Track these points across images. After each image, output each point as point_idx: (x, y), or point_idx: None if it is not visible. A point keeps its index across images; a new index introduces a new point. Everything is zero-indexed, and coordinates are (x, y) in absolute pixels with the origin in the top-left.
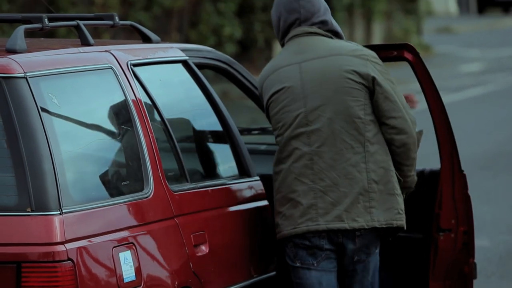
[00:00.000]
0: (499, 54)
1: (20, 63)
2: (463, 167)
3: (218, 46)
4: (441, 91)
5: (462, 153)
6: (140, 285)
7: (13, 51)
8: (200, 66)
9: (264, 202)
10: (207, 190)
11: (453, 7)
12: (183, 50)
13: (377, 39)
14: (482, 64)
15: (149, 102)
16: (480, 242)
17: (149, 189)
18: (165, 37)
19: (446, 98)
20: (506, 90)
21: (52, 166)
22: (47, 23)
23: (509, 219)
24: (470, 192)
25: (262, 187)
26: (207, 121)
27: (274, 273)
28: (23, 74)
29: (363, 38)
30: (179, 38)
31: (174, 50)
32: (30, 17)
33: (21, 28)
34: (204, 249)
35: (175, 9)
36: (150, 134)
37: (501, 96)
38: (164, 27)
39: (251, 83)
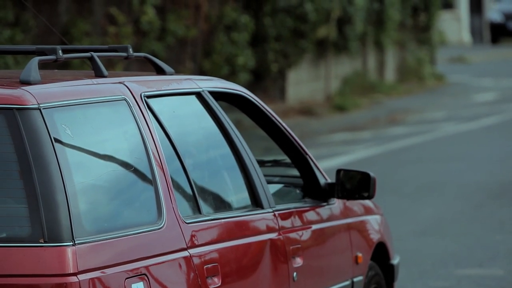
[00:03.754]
0: None
1: (34, 95)
2: (477, 196)
3: (231, 75)
4: (455, 120)
5: (476, 182)
6: None
7: (27, 83)
8: (217, 96)
9: (275, 235)
10: (220, 221)
11: (466, 37)
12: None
13: (390, 69)
14: (495, 94)
15: (162, 133)
16: (494, 271)
17: (162, 221)
18: (178, 67)
19: (460, 127)
20: None
21: (65, 197)
22: (61, 54)
23: None
24: (484, 220)
25: (274, 219)
26: (221, 153)
27: None
28: (36, 106)
29: (376, 68)
30: (193, 68)
31: (188, 82)
32: (44, 49)
33: (35, 60)
34: (216, 281)
35: (189, 39)
36: (163, 166)
37: None
38: (177, 56)
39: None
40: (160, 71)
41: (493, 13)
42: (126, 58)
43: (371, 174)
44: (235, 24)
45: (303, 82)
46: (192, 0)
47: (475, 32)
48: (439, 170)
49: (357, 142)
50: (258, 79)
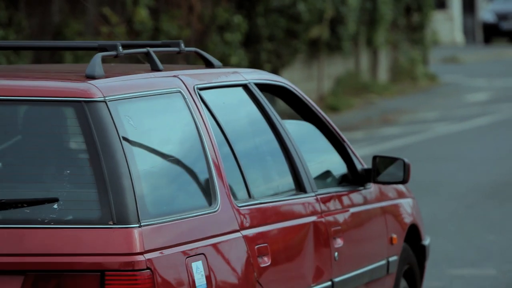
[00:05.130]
0: (505, 83)
1: (99, 88)
2: (470, 196)
3: None
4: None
5: (468, 182)
6: None
7: (92, 77)
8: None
9: (317, 217)
10: (268, 205)
11: (459, 37)
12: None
13: (382, 69)
14: (488, 94)
15: (214, 123)
16: (487, 271)
17: (217, 204)
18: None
19: (453, 128)
20: None
21: (131, 183)
22: (121, 50)
23: None
24: (476, 220)
25: (316, 202)
26: (266, 140)
27: (329, 282)
28: (102, 98)
29: (369, 68)
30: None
31: (235, 75)
32: (105, 45)
33: (99, 56)
34: (266, 260)
35: (182, 39)
36: (216, 153)
37: (507, 125)
38: (170, 56)
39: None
40: (209, 65)
41: (485, 13)
42: (179, 52)
43: (406, 160)
44: (228, 24)
45: (296, 82)
46: (185, 0)
47: (468, 32)
48: (431, 170)
49: (350, 142)
50: None
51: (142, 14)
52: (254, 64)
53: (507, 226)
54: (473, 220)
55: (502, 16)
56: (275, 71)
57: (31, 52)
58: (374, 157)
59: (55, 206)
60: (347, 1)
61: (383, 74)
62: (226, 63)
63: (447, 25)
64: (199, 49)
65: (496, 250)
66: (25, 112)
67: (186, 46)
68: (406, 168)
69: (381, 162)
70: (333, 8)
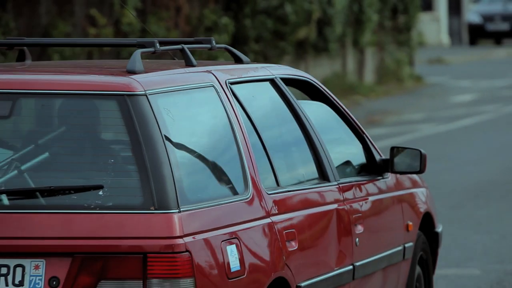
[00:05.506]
0: (490, 84)
1: (140, 83)
2: (454, 196)
3: None
4: (433, 122)
5: (453, 182)
6: (244, 274)
7: (133, 72)
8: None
9: (340, 205)
10: (295, 193)
11: (445, 38)
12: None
13: (369, 70)
14: (473, 95)
15: (244, 115)
16: (471, 271)
17: (249, 192)
18: None
19: (438, 128)
20: (498, 120)
21: (170, 171)
22: (158, 47)
23: (500, 248)
24: (461, 221)
25: (339, 191)
26: (292, 131)
27: (350, 267)
28: (143, 92)
29: (355, 69)
30: None
31: (263, 70)
32: (143, 42)
33: (138, 52)
34: (294, 244)
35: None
36: (247, 144)
37: (493, 126)
38: (158, 57)
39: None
40: (238, 61)
41: (471, 14)
42: (210, 49)
43: (422, 150)
44: (215, 25)
45: None
46: (173, 2)
47: (454, 34)
48: None
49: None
50: None
51: (130, 15)
52: None
53: (492, 226)
54: (458, 220)
55: (487, 17)
56: None
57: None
58: (392, 148)
59: (100, 192)
60: (333, 3)
61: (369, 75)
62: None
63: (433, 27)
64: (188, 50)
65: (480, 250)
66: (71, 104)
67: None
68: (422, 158)
69: (398, 153)
70: (320, 9)
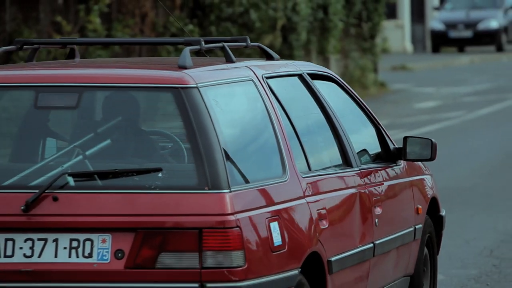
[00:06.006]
0: (453, 91)
1: (192, 76)
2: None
3: None
4: (397, 128)
5: None
6: (285, 249)
7: (184, 67)
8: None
9: (362, 188)
10: (324, 176)
11: (409, 45)
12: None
13: None
14: (437, 101)
15: (279, 106)
16: None
17: (286, 175)
18: None
19: (402, 135)
20: (461, 127)
21: (221, 156)
22: (203, 45)
23: (463, 254)
24: None
25: (361, 176)
26: (318, 121)
27: (371, 244)
28: (195, 85)
29: None
30: None
31: (292, 66)
32: (190, 40)
33: (187, 49)
34: (325, 223)
35: (135, 47)
36: (283, 132)
37: (456, 132)
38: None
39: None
40: (269, 57)
41: (434, 22)
42: (245, 47)
43: (433, 140)
44: (181, 32)
45: None
46: (138, 9)
47: (418, 41)
48: None
49: None
50: None
51: (95, 22)
52: None
53: (455, 231)
54: None
55: (450, 25)
56: None
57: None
58: (405, 138)
59: (160, 174)
60: (298, 10)
61: None
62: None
63: (397, 34)
64: (153, 56)
65: (444, 255)
66: (131, 96)
67: (139, 52)
68: (433, 147)
69: (411, 142)
70: (284, 17)
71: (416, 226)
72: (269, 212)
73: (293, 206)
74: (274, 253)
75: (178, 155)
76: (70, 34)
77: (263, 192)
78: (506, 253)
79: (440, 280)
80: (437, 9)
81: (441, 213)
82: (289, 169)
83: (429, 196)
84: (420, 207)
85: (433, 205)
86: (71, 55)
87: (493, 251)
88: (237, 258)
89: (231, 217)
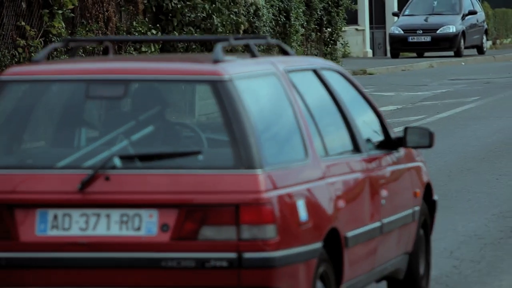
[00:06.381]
0: (413, 95)
1: (226, 69)
2: None
3: None
4: None
5: None
6: (309, 224)
7: (218, 61)
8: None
9: (371, 172)
10: (340, 160)
11: (369, 50)
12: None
13: None
14: (397, 105)
15: (299, 96)
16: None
17: (309, 158)
18: None
19: None
20: None
21: (254, 139)
22: (232, 41)
23: None
24: None
25: (369, 161)
26: (331, 111)
27: (379, 223)
28: (229, 77)
29: None
30: None
31: (307, 61)
32: (220, 38)
33: (219, 45)
34: (341, 203)
35: (98, 50)
36: (304, 119)
37: None
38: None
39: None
40: (286, 54)
41: (393, 27)
42: (266, 44)
43: (430, 129)
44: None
45: None
46: (102, 14)
47: (378, 46)
48: None
49: None
50: None
51: (59, 26)
52: None
53: None
54: None
55: (409, 30)
56: None
57: None
58: (405, 128)
59: (200, 157)
60: (260, 15)
61: None
62: None
63: (358, 39)
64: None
65: None
66: (172, 87)
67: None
68: (431, 136)
69: (411, 131)
70: (247, 21)
71: (415, 208)
72: (295, 190)
73: (315, 186)
74: (300, 228)
75: (217, 139)
76: (34, 39)
77: (290, 173)
78: (465, 254)
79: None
80: (396, 14)
81: (434, 198)
82: (311, 153)
83: (424, 181)
84: (418, 190)
85: (428, 190)
86: (105, 52)
87: (453, 252)
88: (270, 231)
89: (265, 195)
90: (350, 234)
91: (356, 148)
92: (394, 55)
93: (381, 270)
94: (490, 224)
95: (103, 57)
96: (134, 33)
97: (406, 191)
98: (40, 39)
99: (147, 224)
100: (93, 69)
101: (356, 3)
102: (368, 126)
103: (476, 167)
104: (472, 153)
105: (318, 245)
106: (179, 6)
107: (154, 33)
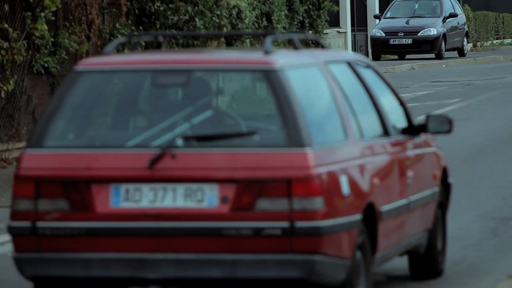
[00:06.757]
0: None
1: (277, 60)
2: None
3: None
4: None
5: None
6: (351, 198)
7: (269, 53)
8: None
9: (399, 154)
10: (373, 143)
11: (351, 52)
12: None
13: None
14: None
15: (337, 84)
16: (377, 277)
17: (348, 139)
18: None
19: None
20: None
21: (304, 122)
22: (279, 36)
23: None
24: None
25: (397, 144)
26: (364, 99)
27: (407, 200)
28: (280, 66)
29: None
30: None
31: (341, 54)
32: (269, 33)
33: (269, 39)
34: (377, 181)
35: (81, 53)
36: (342, 105)
37: None
38: (70, 71)
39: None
40: (323, 47)
41: (375, 30)
42: (304, 39)
43: (449, 116)
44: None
45: None
46: (85, 16)
47: (359, 48)
48: None
49: None
50: None
51: (42, 29)
52: None
53: None
54: None
55: (391, 33)
56: None
57: None
58: (427, 115)
59: (256, 136)
60: (243, 18)
61: None
62: None
63: (340, 42)
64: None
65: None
66: (229, 75)
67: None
68: (450, 122)
69: (432, 118)
70: (229, 24)
71: (434, 189)
72: (339, 167)
73: (355, 164)
74: (344, 201)
75: (271, 121)
76: (16, 41)
77: (333, 152)
78: (447, 255)
79: (378, 280)
80: (377, 17)
81: (449, 181)
82: (350, 135)
83: (442, 164)
84: (437, 173)
85: (444, 174)
86: (158, 46)
87: None
88: (318, 203)
89: (313, 170)
90: (383, 208)
91: (386, 132)
92: (376, 57)
93: (406, 244)
94: (472, 225)
95: (166, 50)
96: (117, 35)
97: (427, 173)
98: (23, 41)
99: (209, 197)
100: (159, 60)
101: (338, 5)
102: (393, 112)
103: (458, 168)
104: (453, 155)
105: (358, 217)
106: (162, 8)
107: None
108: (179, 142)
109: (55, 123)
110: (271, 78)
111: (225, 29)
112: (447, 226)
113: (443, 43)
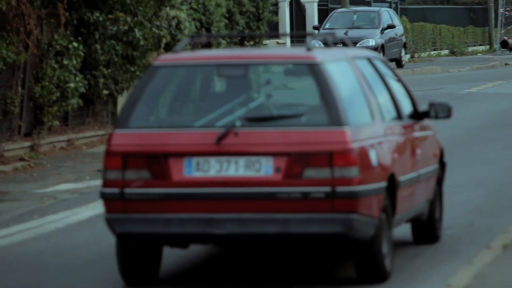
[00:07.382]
0: None
1: (319, 55)
2: None
3: (62, 99)
4: None
5: None
6: (379, 169)
7: (310, 49)
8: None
9: (410, 135)
10: (391, 124)
11: None
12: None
13: None
14: None
15: (362, 76)
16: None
17: (374, 121)
18: (8, 92)
19: None
20: None
21: (342, 105)
22: (316, 36)
23: None
24: None
25: (408, 126)
26: (382, 89)
27: (416, 173)
28: (322, 60)
29: None
30: (23, 93)
31: (362, 52)
32: (309, 33)
33: (310, 38)
34: (396, 156)
35: (19, 63)
36: (368, 93)
37: None
38: (8, 82)
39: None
40: (344, 46)
41: (314, 41)
42: (325, 43)
43: (449, 103)
44: (66, 50)
45: None
46: (23, 27)
47: None
48: None
49: None
50: (89, 103)
51: None
52: (92, 89)
53: None
54: None
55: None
56: (112, 95)
57: None
58: (430, 103)
59: (304, 117)
60: (182, 28)
61: None
62: (63, 89)
63: None
64: (36, 74)
65: None
66: (278, 69)
67: (24, 71)
68: (449, 109)
69: (434, 106)
70: (168, 34)
71: (435, 166)
72: (369, 143)
73: (380, 141)
74: (373, 171)
75: (316, 105)
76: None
77: (364, 130)
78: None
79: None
80: (316, 28)
81: (444, 160)
82: (375, 117)
83: (440, 145)
84: (437, 152)
85: (440, 154)
86: (207, 46)
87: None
88: (354, 171)
89: (350, 144)
90: (401, 178)
91: (399, 116)
92: None
93: (414, 210)
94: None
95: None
96: (56, 46)
97: (430, 152)
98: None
99: (265, 167)
100: (222, 56)
101: (277, 15)
102: (403, 100)
103: None
104: None
105: (383, 184)
106: (101, 19)
107: (76, 45)
108: (238, 123)
109: (137, 107)
110: (314, 70)
111: (164, 40)
112: (443, 198)
113: (381, 54)
